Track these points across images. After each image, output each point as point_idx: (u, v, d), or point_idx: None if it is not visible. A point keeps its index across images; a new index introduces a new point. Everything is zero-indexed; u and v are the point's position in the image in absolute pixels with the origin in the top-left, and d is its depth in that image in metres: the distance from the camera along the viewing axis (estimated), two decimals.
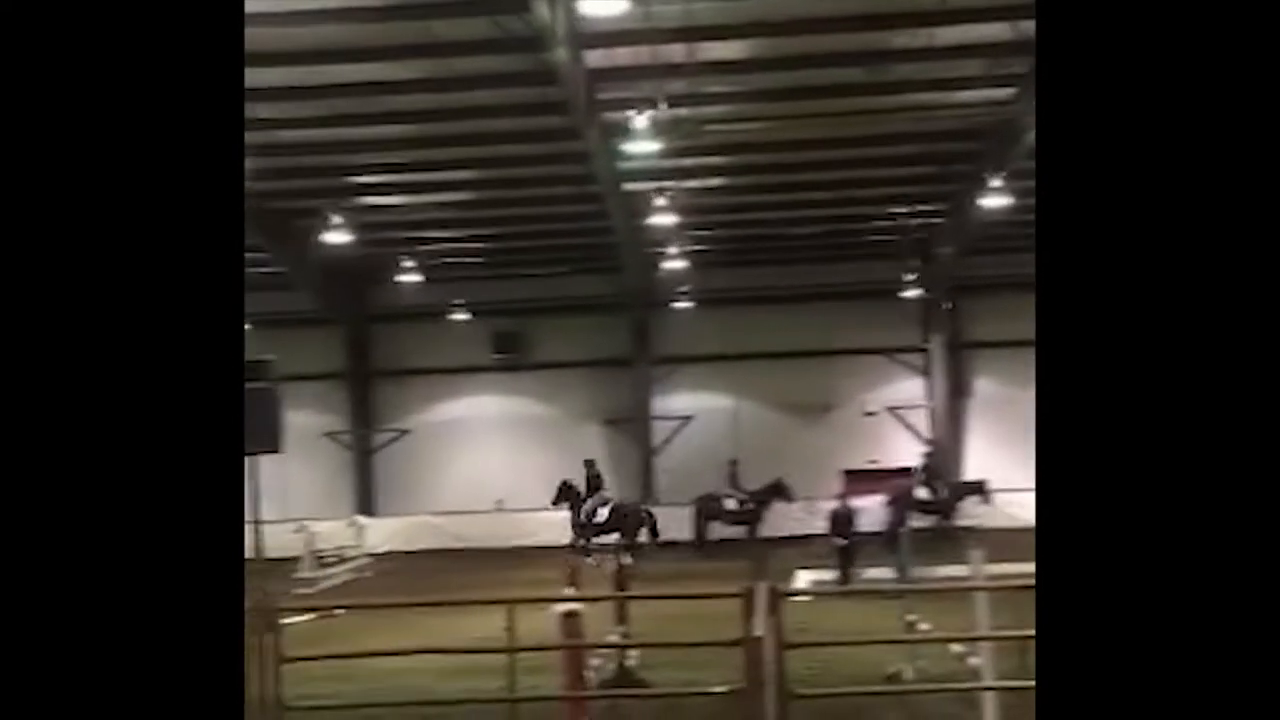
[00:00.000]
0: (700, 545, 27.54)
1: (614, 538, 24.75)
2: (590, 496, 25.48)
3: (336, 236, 26.06)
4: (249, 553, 11.19)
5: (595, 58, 19.63)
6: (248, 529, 11.00)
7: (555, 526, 30.57)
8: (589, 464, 26.19)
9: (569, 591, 10.18)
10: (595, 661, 11.39)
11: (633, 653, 11.46)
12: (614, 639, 11.42)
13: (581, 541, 24.50)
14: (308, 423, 31.66)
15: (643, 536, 24.87)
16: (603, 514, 25.11)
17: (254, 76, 20.36)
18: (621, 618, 11.67)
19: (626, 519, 25.07)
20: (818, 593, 17.74)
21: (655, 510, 31.45)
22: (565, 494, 25.50)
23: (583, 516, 25.07)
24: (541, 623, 9.97)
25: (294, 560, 23.13)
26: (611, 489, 33.42)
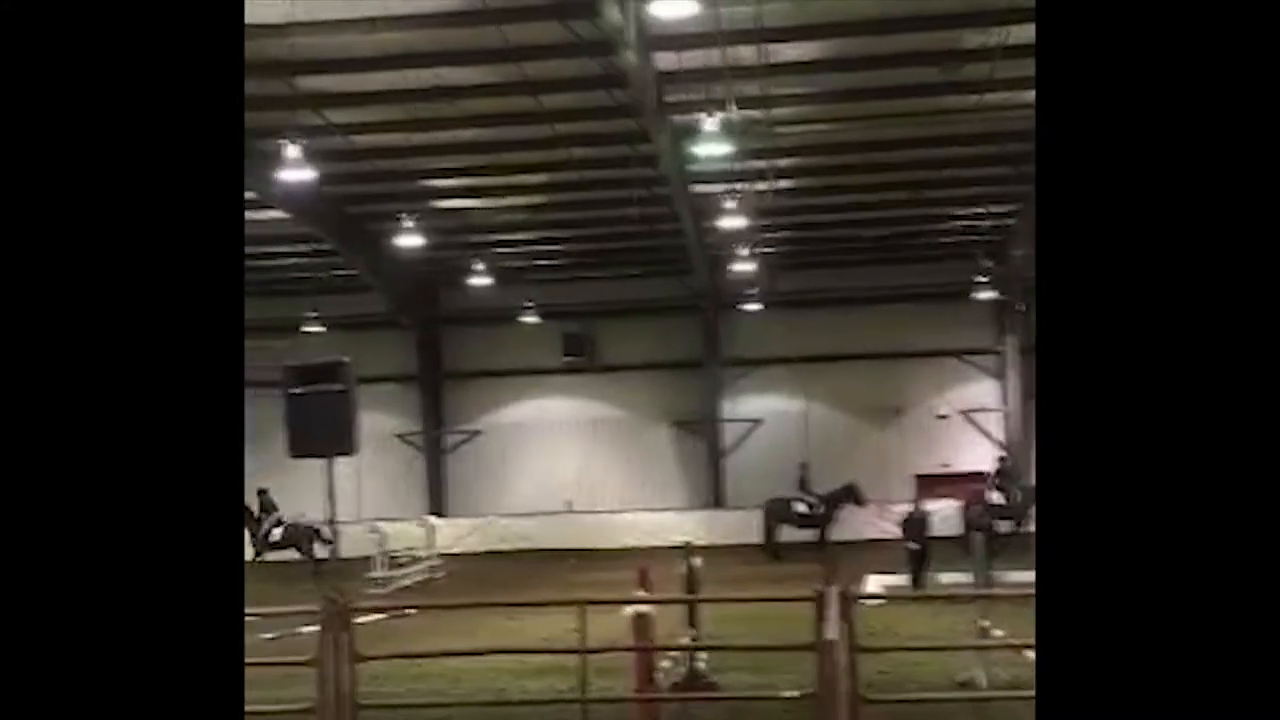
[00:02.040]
0: (770, 549, 27.44)
1: (291, 553, 26.21)
2: (264, 518, 26.76)
3: (410, 240, 26.31)
4: (324, 553, 11.37)
5: (665, 60, 19.64)
6: (324, 529, 11.15)
7: (624, 528, 30.73)
8: (261, 492, 27.19)
9: (640, 593, 10.18)
10: (665, 664, 11.39)
11: (703, 655, 11.44)
12: (684, 641, 11.40)
13: (259, 559, 25.96)
14: (380, 424, 32.04)
15: (318, 550, 25.67)
16: (277, 533, 26.50)
17: (328, 82, 20.71)
18: (692, 620, 11.65)
19: (299, 535, 26.40)
20: (890, 597, 17.60)
21: (723, 514, 31.58)
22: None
23: (260, 535, 26.46)
24: (612, 624, 9.99)
25: (367, 560, 23.39)
26: (680, 491, 33.62)
